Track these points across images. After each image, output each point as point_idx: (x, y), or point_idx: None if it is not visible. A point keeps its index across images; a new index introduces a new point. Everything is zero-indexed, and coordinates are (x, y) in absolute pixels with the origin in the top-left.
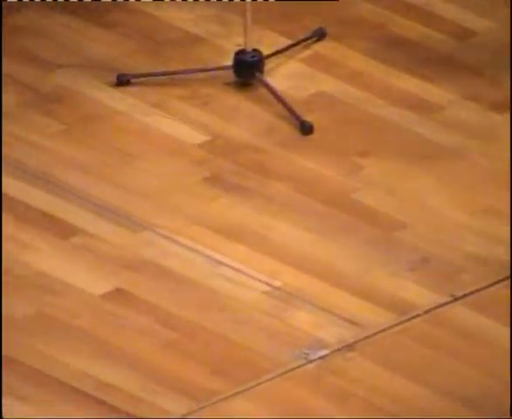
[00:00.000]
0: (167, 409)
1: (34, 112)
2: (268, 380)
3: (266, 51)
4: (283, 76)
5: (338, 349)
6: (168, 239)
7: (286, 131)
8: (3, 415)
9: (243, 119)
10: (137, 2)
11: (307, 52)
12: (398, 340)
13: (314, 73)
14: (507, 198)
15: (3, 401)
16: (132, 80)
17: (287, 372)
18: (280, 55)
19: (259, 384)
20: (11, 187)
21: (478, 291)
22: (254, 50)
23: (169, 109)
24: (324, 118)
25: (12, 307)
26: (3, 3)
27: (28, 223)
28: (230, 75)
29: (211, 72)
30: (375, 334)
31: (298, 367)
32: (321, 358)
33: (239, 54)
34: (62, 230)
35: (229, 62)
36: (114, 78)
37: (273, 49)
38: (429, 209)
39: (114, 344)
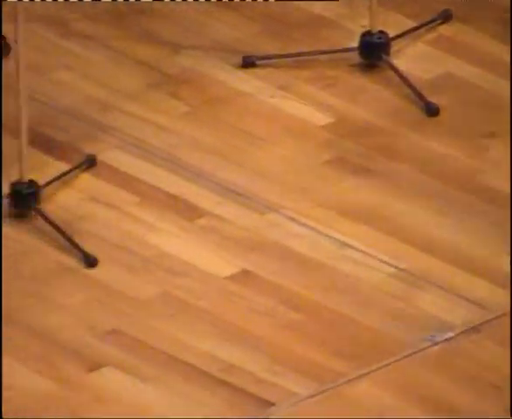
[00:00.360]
0: (291, 390)
1: (160, 93)
2: (393, 362)
3: (391, 33)
4: (409, 58)
5: (464, 331)
6: (293, 221)
7: (411, 113)
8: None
9: (368, 100)
10: None
11: (433, 34)
12: None
13: (440, 55)
14: None
15: (127, 382)
16: (257, 62)
17: (412, 354)
18: (405, 37)
19: (384, 366)
20: (137, 168)
21: None
22: (380, 31)
23: (295, 91)
24: (450, 99)
25: (138, 289)
26: None
27: (154, 205)
28: (356, 57)
29: (337, 54)
30: (501, 316)
31: (423, 349)
32: (447, 340)
33: (365, 36)
34: (188, 212)
35: (355, 44)
36: (239, 60)
37: (399, 31)
38: None
39: (239, 325)
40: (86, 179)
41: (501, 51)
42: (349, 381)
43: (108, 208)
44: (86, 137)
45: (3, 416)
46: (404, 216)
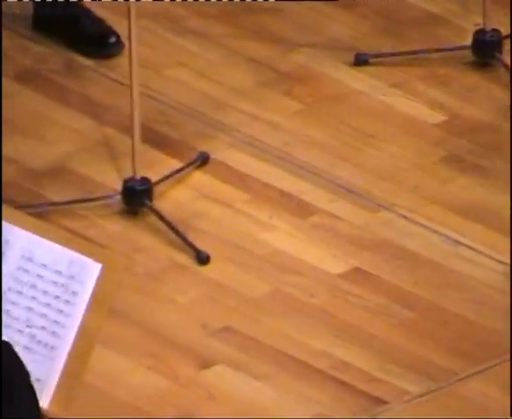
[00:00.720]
0: (404, 389)
1: (273, 91)
2: (506, 361)
3: (505, 32)
4: None
5: None
6: (406, 219)
7: None
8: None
9: (481, 99)
10: None
11: None
12: None
13: None
14: None
15: (239, 380)
16: (370, 60)
17: None
18: None
19: (496, 365)
20: (250, 166)
21: None
22: (493, 30)
23: (408, 89)
24: None
25: (250, 286)
26: None
27: (266, 203)
28: (468, 55)
29: (450, 52)
30: None
31: None
32: None
33: (478, 34)
34: (300, 210)
35: (468, 42)
36: (352, 58)
37: None
38: None
39: (350, 323)
40: (198, 176)
41: None
42: (462, 379)
43: (221, 205)
44: (198, 134)
45: (118, 415)
46: None
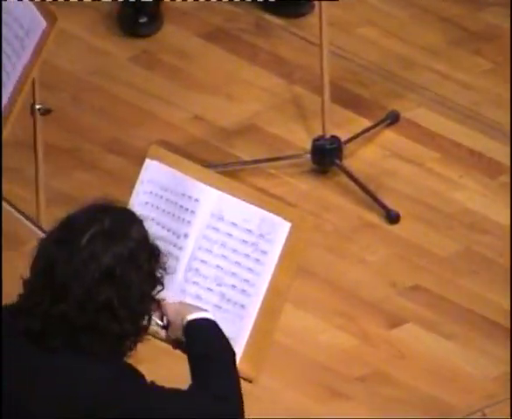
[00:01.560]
0: None
1: (463, 50)
2: None
3: None
4: None
5: None
6: None
7: None
8: None
9: None
10: None
11: None
12: None
13: None
14: None
15: (429, 339)
16: None
17: None
18: None
19: None
20: (439, 124)
21: None
22: None
23: None
24: None
25: (440, 245)
26: None
27: (456, 162)
28: None
29: None
30: None
31: None
32: None
33: None
34: (490, 169)
35: None
36: None
37: None
38: None
39: None
40: (388, 135)
41: None
42: None
43: (410, 164)
44: (389, 93)
45: (308, 374)
46: None
